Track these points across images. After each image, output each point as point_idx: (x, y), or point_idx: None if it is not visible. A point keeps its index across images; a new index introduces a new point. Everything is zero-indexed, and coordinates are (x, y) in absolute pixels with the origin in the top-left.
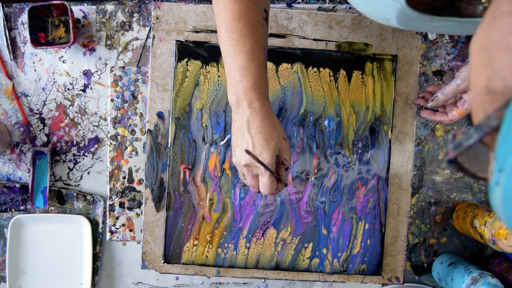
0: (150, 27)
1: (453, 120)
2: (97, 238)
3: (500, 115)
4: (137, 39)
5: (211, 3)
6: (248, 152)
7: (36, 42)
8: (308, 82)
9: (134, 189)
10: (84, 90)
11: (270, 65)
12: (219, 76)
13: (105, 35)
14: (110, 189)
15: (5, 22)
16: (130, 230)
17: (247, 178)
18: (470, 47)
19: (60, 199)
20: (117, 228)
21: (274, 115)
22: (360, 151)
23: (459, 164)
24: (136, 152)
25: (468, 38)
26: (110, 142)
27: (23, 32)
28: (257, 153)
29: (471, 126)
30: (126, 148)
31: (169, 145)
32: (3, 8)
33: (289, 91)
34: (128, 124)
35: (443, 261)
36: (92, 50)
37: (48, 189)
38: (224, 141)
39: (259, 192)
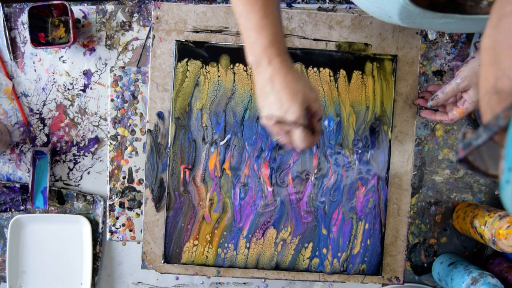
0: (150, 27)
1: (453, 119)
2: (97, 238)
3: (507, 115)
4: (137, 39)
5: (211, 3)
6: (270, 116)
7: (36, 42)
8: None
9: (134, 189)
10: (84, 90)
11: None
12: (219, 76)
13: (105, 35)
14: (110, 189)
15: (5, 22)
16: (130, 230)
17: (279, 136)
18: (480, 45)
19: (60, 199)
20: (117, 228)
21: (296, 69)
22: (360, 151)
23: (469, 162)
24: (136, 152)
25: (469, 38)
26: (110, 142)
27: (23, 32)
28: (286, 109)
29: (471, 126)
30: (126, 148)
31: (169, 145)
32: (3, 8)
33: None
34: (128, 124)
35: (443, 261)
36: (92, 50)
37: (48, 189)
38: (224, 141)
39: (296, 148)
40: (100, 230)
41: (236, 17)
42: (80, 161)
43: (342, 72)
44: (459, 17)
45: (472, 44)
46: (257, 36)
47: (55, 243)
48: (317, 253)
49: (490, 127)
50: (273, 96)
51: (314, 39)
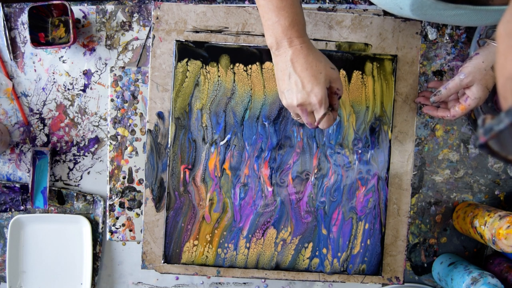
0: (150, 27)
1: (455, 116)
2: (97, 238)
3: None
4: (137, 39)
5: (211, 3)
6: (293, 98)
7: (36, 42)
8: None
9: (134, 189)
10: (84, 90)
11: (270, 65)
12: (219, 76)
13: (105, 35)
14: (110, 189)
15: (5, 22)
16: (130, 230)
17: (302, 117)
18: (497, 32)
19: (60, 199)
20: (117, 228)
21: (316, 49)
22: (360, 151)
23: (490, 148)
24: (136, 152)
25: (469, 38)
26: (110, 142)
27: (23, 32)
28: (308, 90)
29: (471, 127)
30: (126, 148)
31: (169, 145)
32: (3, 8)
33: None
34: (128, 124)
35: (443, 261)
36: (92, 50)
37: (48, 189)
38: (224, 141)
39: (317, 127)
40: (100, 230)
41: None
42: (80, 161)
43: (342, 72)
44: (471, 8)
45: (473, 42)
46: (278, 18)
47: (55, 243)
48: (317, 253)
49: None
50: (295, 78)
51: (314, 39)
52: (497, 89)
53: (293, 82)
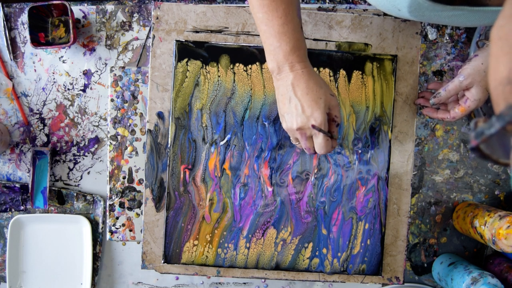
0: (150, 27)
1: (455, 117)
2: (97, 238)
3: None
4: (137, 39)
5: (211, 3)
6: (313, 126)
7: (36, 42)
8: None
9: (134, 189)
10: (84, 90)
11: None
12: (219, 76)
13: (105, 35)
14: (110, 189)
15: (5, 22)
16: (130, 230)
17: (301, 141)
18: (490, 36)
19: (60, 199)
20: (117, 228)
21: (317, 74)
22: (360, 151)
23: (481, 151)
24: (136, 152)
25: (469, 38)
26: (110, 142)
27: (23, 32)
28: (308, 115)
29: (470, 127)
30: (126, 148)
31: (169, 145)
32: (3, 8)
33: None
34: (128, 124)
35: (443, 261)
36: (92, 50)
37: (48, 189)
38: (224, 141)
39: (315, 153)
40: (100, 230)
41: (256, 24)
42: (80, 161)
43: (342, 72)
44: (468, 9)
45: (473, 43)
46: (279, 43)
47: (55, 243)
48: (317, 253)
49: (503, 117)
50: (295, 102)
51: (314, 39)
52: (490, 93)
53: (293, 106)
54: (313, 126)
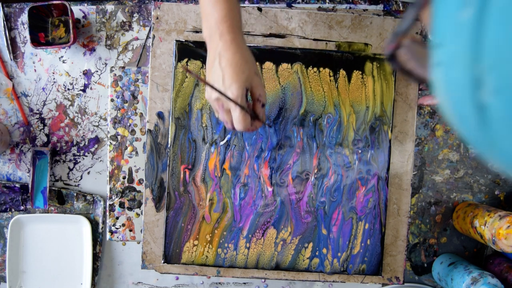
0: (150, 27)
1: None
2: (97, 238)
3: None
4: (137, 39)
5: None
6: (212, 86)
7: (36, 42)
8: (308, 82)
9: (134, 189)
10: (84, 90)
11: (270, 65)
12: None
13: (105, 35)
14: (110, 189)
15: (5, 22)
16: (130, 230)
17: (219, 113)
18: None
19: (60, 199)
20: (117, 228)
21: (247, 49)
22: (360, 151)
23: (396, 59)
24: (136, 152)
25: None
26: (110, 142)
27: (23, 32)
28: (226, 86)
29: None
30: (126, 148)
31: (169, 145)
32: (3, 8)
33: (289, 91)
34: (128, 124)
35: (443, 261)
36: (92, 50)
37: (48, 189)
38: (224, 141)
39: (234, 129)
40: (100, 230)
41: None
42: (80, 161)
43: (342, 72)
44: None
45: None
46: (212, 10)
47: (55, 243)
48: (317, 253)
49: (415, 5)
50: (218, 71)
51: (314, 39)
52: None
53: (216, 75)
54: (226, 97)
